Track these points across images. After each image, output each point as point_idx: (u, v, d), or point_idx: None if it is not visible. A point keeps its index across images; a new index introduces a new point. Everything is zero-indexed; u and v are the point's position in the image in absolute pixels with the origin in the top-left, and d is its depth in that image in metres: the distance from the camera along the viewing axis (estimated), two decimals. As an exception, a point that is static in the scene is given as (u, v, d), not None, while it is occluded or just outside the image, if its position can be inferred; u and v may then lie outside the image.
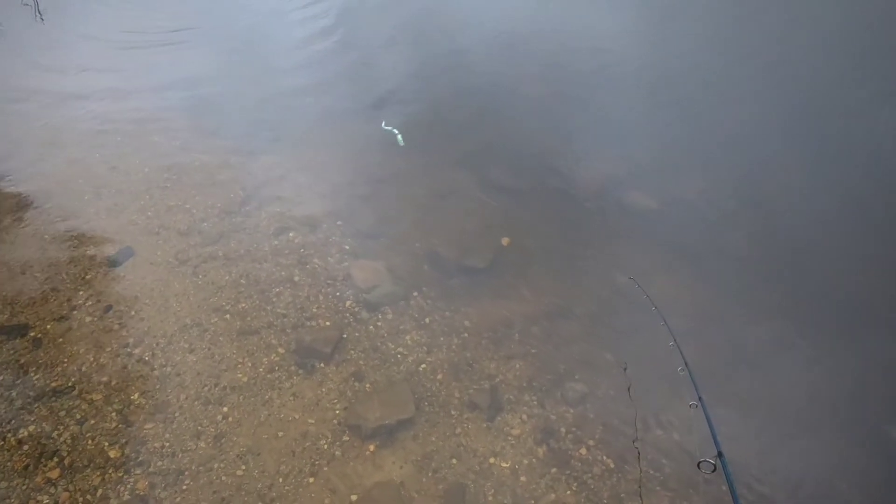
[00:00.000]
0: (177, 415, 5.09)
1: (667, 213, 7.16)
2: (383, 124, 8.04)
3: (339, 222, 6.92)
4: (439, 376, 5.54)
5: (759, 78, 9.44)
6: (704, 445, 3.72)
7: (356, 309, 6.03)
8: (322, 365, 5.55)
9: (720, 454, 3.50)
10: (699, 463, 3.58)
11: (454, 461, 4.95)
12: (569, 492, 4.81)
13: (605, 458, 5.04)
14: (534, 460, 5.00)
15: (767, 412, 5.37)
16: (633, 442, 5.11)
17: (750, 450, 5.06)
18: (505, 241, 6.75)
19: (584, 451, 5.07)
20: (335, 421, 5.15)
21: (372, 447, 5.00)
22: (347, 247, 6.63)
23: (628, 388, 5.42)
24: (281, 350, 5.64)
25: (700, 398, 4.07)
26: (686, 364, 4.40)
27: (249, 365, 5.51)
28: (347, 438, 5.05)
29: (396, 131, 7.83)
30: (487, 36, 10.61)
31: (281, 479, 4.73)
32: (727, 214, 7.19)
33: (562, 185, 7.51)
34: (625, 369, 5.58)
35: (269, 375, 5.43)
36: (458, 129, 8.40)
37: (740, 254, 6.72)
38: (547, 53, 10.11)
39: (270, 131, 8.36)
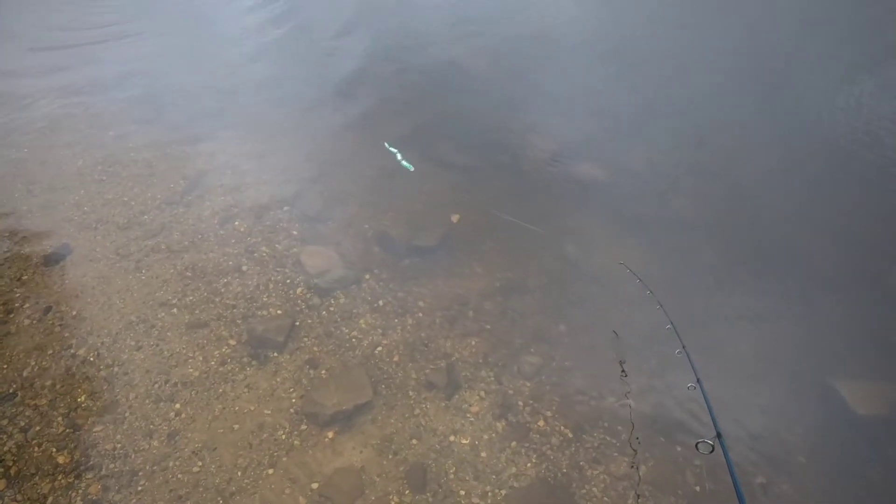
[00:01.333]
0: (127, 415, 4.96)
1: (615, 182, 7.23)
2: (386, 145, 7.56)
3: (285, 208, 6.79)
4: (395, 358, 5.51)
5: (704, 47, 9.55)
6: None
7: (308, 295, 5.94)
8: (275, 354, 5.46)
9: (719, 435, 3.48)
10: (697, 444, 3.60)
11: (414, 442, 4.96)
12: (529, 464, 4.87)
13: (562, 428, 5.11)
14: (493, 435, 5.04)
15: (719, 370, 5.50)
16: (592, 408, 5.19)
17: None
18: (454, 217, 6.72)
19: (542, 422, 5.13)
20: (292, 410, 5.09)
21: (331, 434, 4.96)
22: (295, 232, 6.52)
23: (621, 363, 5.46)
24: (232, 342, 5.53)
25: (698, 380, 4.09)
26: (683, 347, 4.45)
27: (200, 359, 5.39)
28: (305, 427, 4.99)
29: (400, 156, 7.37)
30: (436, 14, 10.45)
31: (239, 473, 4.66)
32: (674, 181, 7.30)
33: (510, 160, 7.50)
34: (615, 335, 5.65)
35: (221, 368, 5.32)
36: (405, 107, 8.30)
37: (688, 220, 6.83)
38: (494, 30, 10.03)
39: (212, 119, 8.14)
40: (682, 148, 7.88)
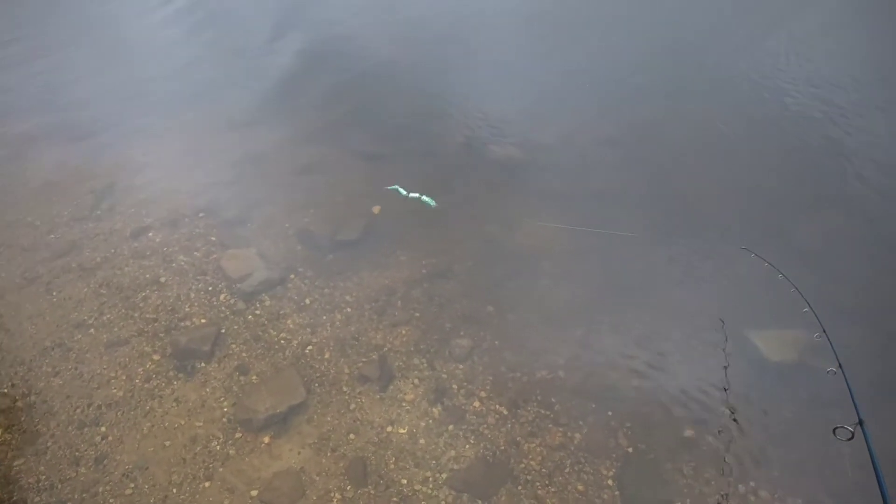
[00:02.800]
0: (49, 444, 4.77)
1: (532, 160, 7.33)
2: (395, 189, 6.91)
3: (201, 214, 6.61)
4: (326, 355, 5.48)
5: (612, 24, 9.71)
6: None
7: (231, 301, 5.83)
8: (203, 364, 5.35)
9: (861, 422, 3.24)
10: (835, 429, 3.32)
11: (352, 437, 4.96)
12: (467, 445, 4.94)
13: (497, 406, 5.20)
14: (430, 421, 5.09)
15: (647, 331, 5.69)
16: (524, 384, 5.30)
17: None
18: (376, 209, 6.70)
19: (477, 403, 5.21)
20: (224, 419, 5.00)
21: (266, 438, 4.91)
22: (214, 238, 6.36)
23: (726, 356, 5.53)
24: (156, 356, 5.38)
25: (840, 365, 3.95)
26: (824, 331, 4.29)
27: (124, 378, 5.22)
28: (240, 434, 4.92)
29: (404, 191, 6.80)
30: (346, 7, 10.27)
31: (175, 490, 4.56)
32: (588, 155, 7.46)
33: (428, 146, 7.51)
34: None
35: (146, 385, 5.18)
36: (320, 101, 8.17)
37: (604, 191, 7.00)
38: (406, 19, 9.92)
39: (119, 127, 7.80)
40: (597, 121, 8.04)
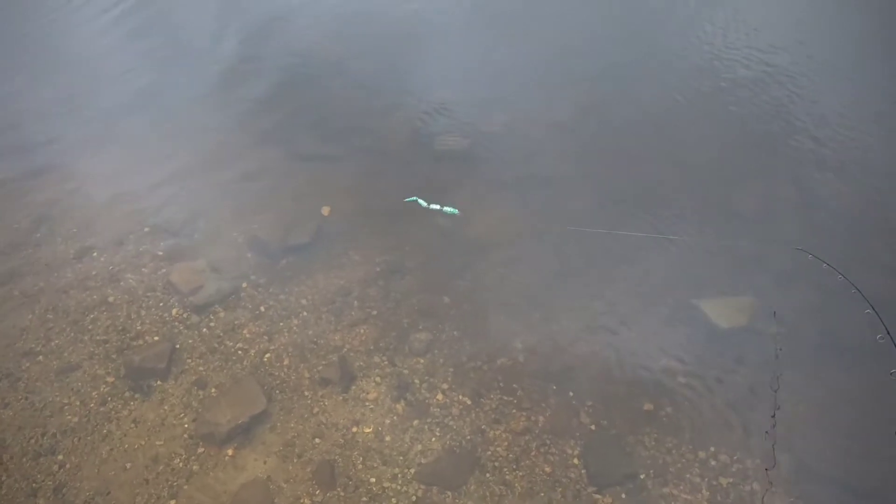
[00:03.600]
0: (4, 478, 4.64)
1: (481, 149, 7.33)
2: (415, 201, 6.68)
3: (146, 229, 6.46)
4: (286, 361, 5.44)
5: (559, 8, 9.69)
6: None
7: (184, 315, 5.73)
8: (159, 382, 5.25)
9: None
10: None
11: (317, 441, 4.94)
12: (433, 438, 4.97)
13: (460, 397, 5.24)
14: (395, 418, 5.10)
15: (602, 310, 5.77)
16: (484, 372, 5.35)
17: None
18: (325, 210, 6.65)
19: (440, 396, 5.24)
20: (186, 435, 4.93)
21: (230, 451, 4.86)
22: (161, 253, 6.24)
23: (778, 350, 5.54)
24: (110, 379, 5.27)
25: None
26: (888, 332, 4.27)
27: (78, 403, 5.10)
28: (203, 449, 4.86)
29: (425, 203, 6.59)
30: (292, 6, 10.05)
31: (139, 512, 4.48)
32: (538, 140, 7.49)
33: (373, 142, 7.45)
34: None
35: (102, 409, 5.07)
36: (263, 104, 8.00)
37: (555, 176, 7.04)
38: (352, 13, 9.75)
39: (53, 145, 7.49)
40: (546, 107, 8.06)
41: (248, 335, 5.61)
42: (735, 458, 4.86)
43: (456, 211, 6.44)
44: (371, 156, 7.25)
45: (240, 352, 5.49)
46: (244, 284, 6.01)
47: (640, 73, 8.48)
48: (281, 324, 5.71)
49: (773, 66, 8.23)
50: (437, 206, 6.48)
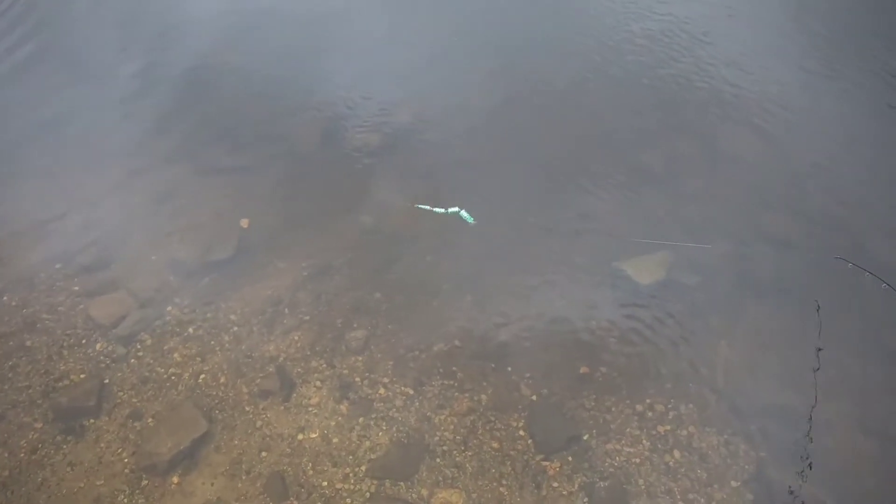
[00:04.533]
0: (-64, 546, 4.41)
1: (390, 143, 7.34)
2: (425, 207, 6.49)
3: (57, 265, 6.19)
4: (222, 380, 5.35)
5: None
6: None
7: (109, 349, 5.55)
8: (91, 421, 5.08)
9: None
10: None
11: (264, 454, 4.90)
12: (380, 433, 5.00)
13: (402, 388, 5.28)
14: (340, 419, 5.10)
15: (529, 285, 5.91)
16: (421, 362, 5.41)
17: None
18: (244, 222, 6.54)
19: (382, 390, 5.27)
20: (127, 470, 4.80)
21: (175, 479, 4.76)
22: (77, 288, 6.00)
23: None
24: (38, 424, 5.06)
25: None
26: None
27: (6, 455, 4.89)
28: (147, 482, 4.74)
29: (439, 208, 6.39)
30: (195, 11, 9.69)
31: (87, 555, 4.35)
32: (445, 126, 7.54)
33: (284, 148, 7.35)
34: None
35: (33, 457, 4.87)
36: (160, 123, 7.75)
37: (468, 158, 7.12)
38: (240, 21, 9.50)
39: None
40: (450, 91, 8.12)
41: (179, 359, 5.48)
42: (670, 405, 5.08)
43: (472, 220, 6.24)
44: (283, 161, 7.15)
45: (173, 377, 5.36)
46: (169, 308, 5.86)
47: (547, 44, 8.61)
48: (212, 342, 5.61)
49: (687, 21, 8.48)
50: (456, 209, 6.29)
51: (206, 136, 7.59)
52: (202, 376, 5.37)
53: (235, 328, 5.71)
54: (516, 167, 7.00)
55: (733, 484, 4.63)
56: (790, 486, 4.47)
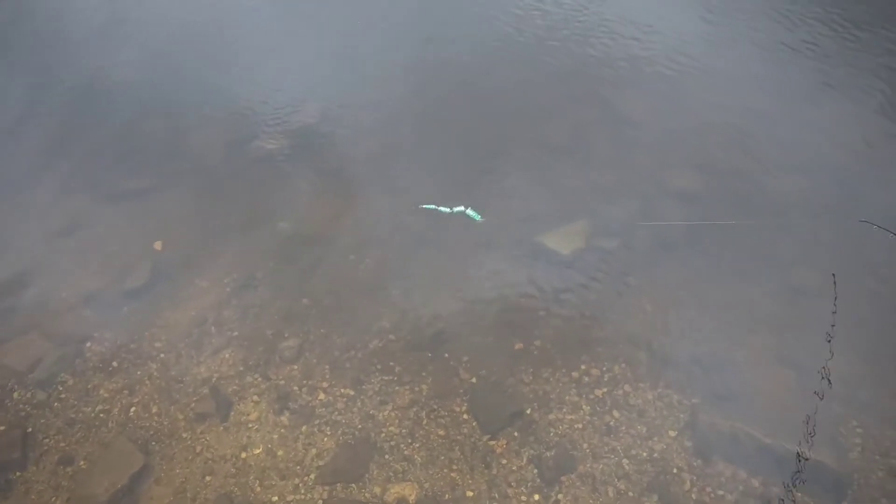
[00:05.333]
0: None
1: (292, 146, 7.22)
2: (427, 207, 6.25)
3: (-43, 316, 5.83)
4: (154, 409, 5.18)
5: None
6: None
7: (28, 395, 5.28)
8: (18, 473, 4.83)
9: None
10: None
11: (208, 478, 4.77)
12: (325, 438, 4.96)
13: (342, 390, 5.25)
14: (282, 430, 5.02)
15: (454, 270, 5.95)
16: (356, 361, 5.38)
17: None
18: (157, 245, 6.32)
19: (322, 395, 5.21)
20: (63, 519, 4.59)
21: (118, 519, 4.58)
22: (-17, 336, 5.66)
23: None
24: (-41, 488, 4.77)
25: None
26: None
27: (-73, 526, 4.59)
28: (86, 527, 4.55)
29: (444, 208, 6.15)
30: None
31: None
32: (351, 122, 7.49)
33: (188, 164, 7.14)
34: None
35: (-42, 524, 4.59)
36: (50, 153, 7.37)
37: (377, 153, 7.10)
38: (122, 38, 9.08)
39: None
40: (352, 87, 8.05)
41: (106, 395, 5.27)
42: (604, 368, 5.24)
43: (479, 217, 6.09)
44: (189, 177, 6.95)
45: (101, 414, 5.15)
46: (88, 344, 5.62)
47: (448, 30, 8.65)
48: (139, 373, 5.41)
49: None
50: (461, 208, 6.10)
51: (103, 161, 7.30)
52: (133, 409, 5.19)
53: (162, 355, 5.53)
54: (429, 154, 7.03)
55: (671, 434, 4.82)
56: (723, 427, 4.69)
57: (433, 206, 6.17)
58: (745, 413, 4.76)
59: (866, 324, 5.30)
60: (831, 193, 6.22)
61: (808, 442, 4.50)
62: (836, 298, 5.26)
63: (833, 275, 5.39)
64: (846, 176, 6.36)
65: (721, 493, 4.49)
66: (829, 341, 5.04)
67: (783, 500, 4.36)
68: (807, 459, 4.43)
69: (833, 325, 5.12)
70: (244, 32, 8.97)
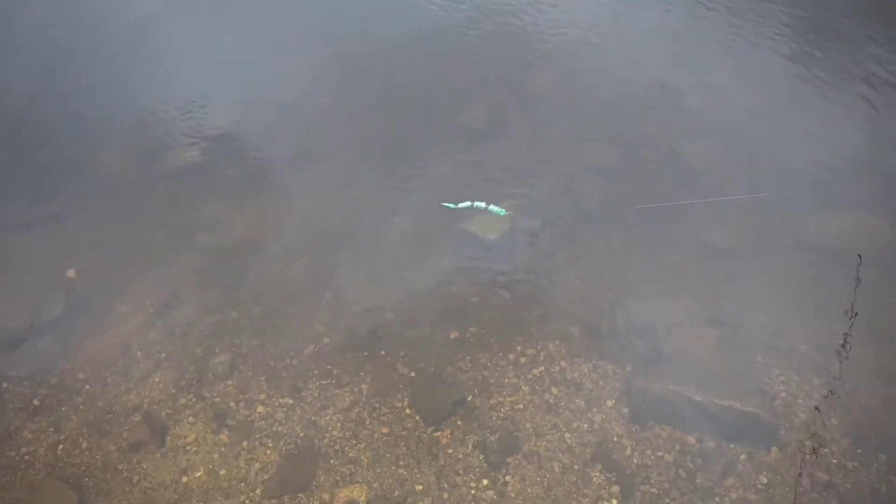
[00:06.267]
0: None
1: (212, 155, 7.02)
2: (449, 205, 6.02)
3: None
4: (84, 444, 4.97)
5: None
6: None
7: (-56, 446, 4.97)
8: (-59, 531, 4.55)
9: None
10: None
11: (149, 509, 4.62)
12: (268, 451, 4.87)
13: (281, 399, 5.16)
14: (222, 449, 4.90)
15: (384, 264, 5.91)
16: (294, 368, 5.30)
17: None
18: (71, 273, 6.04)
19: (260, 408, 5.11)
20: (-4, 571, 4.35)
21: (55, 562, 4.38)
22: None
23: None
24: None
25: None
26: None
27: None
28: (23, 576, 4.33)
29: (468, 204, 5.94)
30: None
31: None
32: (263, 126, 7.33)
33: (96, 185, 6.83)
34: None
35: None
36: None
37: (292, 155, 6.97)
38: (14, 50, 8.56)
39: None
40: (261, 90, 7.86)
41: (30, 436, 5.02)
42: (539, 347, 5.33)
43: (503, 211, 5.92)
44: (99, 199, 6.65)
45: (27, 457, 4.91)
46: (5, 385, 5.34)
47: (361, 25, 8.53)
48: (64, 408, 5.17)
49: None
50: (482, 204, 5.93)
51: (4, 189, 6.89)
52: (60, 447, 4.96)
53: (87, 387, 5.31)
54: (346, 152, 6.96)
55: (609, 403, 4.95)
56: (656, 390, 4.84)
57: (452, 205, 6.04)
58: (676, 374, 4.92)
59: (781, 277, 5.55)
60: (737, 158, 6.47)
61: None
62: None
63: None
64: (752, 140, 6.62)
65: (660, 454, 4.64)
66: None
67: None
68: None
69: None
70: (146, 39, 8.62)
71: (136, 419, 5.07)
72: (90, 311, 5.81)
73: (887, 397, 4.79)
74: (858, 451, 4.53)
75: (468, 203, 6.03)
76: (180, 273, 6.02)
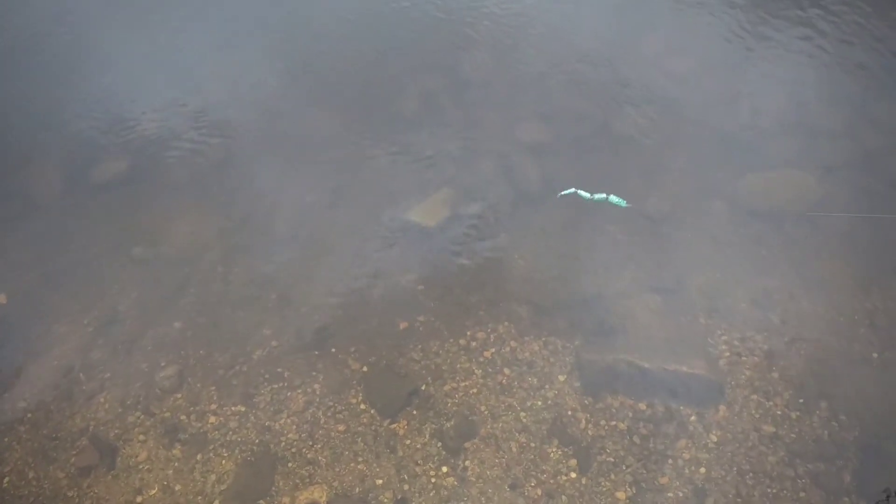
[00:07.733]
0: None
1: (141, 164, 6.80)
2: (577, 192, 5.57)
3: None
4: (31, 474, 4.81)
5: None
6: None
7: None
8: None
9: None
10: None
11: (104, 532, 4.51)
12: (223, 461, 4.80)
13: (233, 407, 5.08)
14: (176, 464, 4.81)
15: (332, 262, 5.85)
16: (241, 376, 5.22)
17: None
18: (1, 298, 5.80)
19: (212, 419, 5.02)
20: None
21: None
22: None
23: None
24: None
25: None
26: None
27: None
28: None
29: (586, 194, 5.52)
30: None
31: None
32: (197, 131, 7.11)
33: (20, 203, 6.54)
34: None
35: None
36: None
37: (221, 160, 6.81)
38: None
39: None
40: (196, 95, 7.62)
41: (-28, 472, 4.83)
42: (489, 330, 5.35)
43: (624, 203, 5.52)
44: (24, 220, 6.39)
45: (-29, 493, 4.73)
46: (-64, 423, 5.11)
47: (292, 20, 8.32)
48: (6, 439, 5.00)
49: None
50: (603, 196, 5.51)
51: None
52: (6, 479, 4.80)
53: (29, 414, 5.13)
54: (281, 150, 6.83)
55: (561, 378, 5.02)
56: (605, 361, 4.91)
57: (573, 191, 5.60)
58: (624, 344, 5.02)
59: (717, 239, 5.68)
60: (667, 122, 6.58)
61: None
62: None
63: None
64: (683, 106, 6.74)
65: (614, 423, 4.73)
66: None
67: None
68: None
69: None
70: (65, 46, 8.25)
71: (84, 443, 4.93)
72: (26, 335, 5.60)
73: (825, 346, 4.96)
74: (801, 400, 4.70)
75: (588, 195, 5.56)
76: (119, 288, 5.85)
